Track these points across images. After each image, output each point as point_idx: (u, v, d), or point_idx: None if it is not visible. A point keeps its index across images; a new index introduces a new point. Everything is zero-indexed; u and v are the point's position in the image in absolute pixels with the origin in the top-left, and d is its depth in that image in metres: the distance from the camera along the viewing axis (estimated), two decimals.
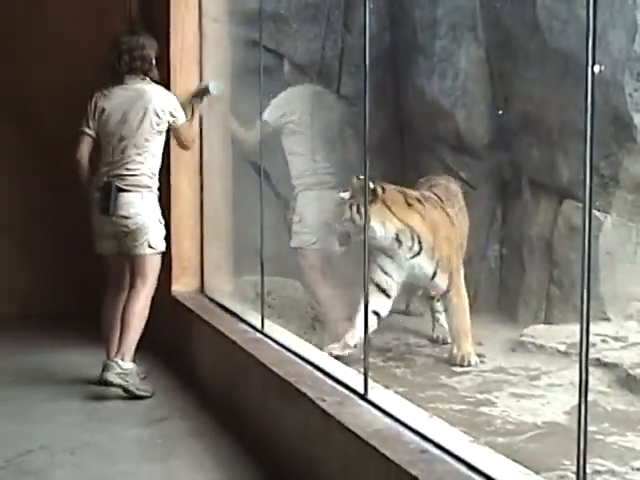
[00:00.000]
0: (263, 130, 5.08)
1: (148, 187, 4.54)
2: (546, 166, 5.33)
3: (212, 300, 5.10)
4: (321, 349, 4.08)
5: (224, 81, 5.17)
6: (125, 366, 4.36)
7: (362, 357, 3.28)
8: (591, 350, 2.19)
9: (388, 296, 4.66)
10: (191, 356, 4.83)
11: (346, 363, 3.75)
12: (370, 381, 3.11)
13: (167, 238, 4.70)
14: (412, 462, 2.47)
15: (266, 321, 4.30)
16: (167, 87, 4.87)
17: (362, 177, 4.86)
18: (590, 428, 2.12)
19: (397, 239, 4.60)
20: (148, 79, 4.62)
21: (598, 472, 3.14)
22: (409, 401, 3.12)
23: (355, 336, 4.46)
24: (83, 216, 4.70)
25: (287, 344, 3.94)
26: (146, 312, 4.53)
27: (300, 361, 3.67)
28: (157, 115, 4.52)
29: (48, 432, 3.93)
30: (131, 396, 4.34)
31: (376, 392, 3.11)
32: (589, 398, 2.12)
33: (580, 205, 2.19)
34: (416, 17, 6.10)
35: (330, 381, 3.34)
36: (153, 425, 4.02)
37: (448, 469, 2.45)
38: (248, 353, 3.90)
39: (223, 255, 5.38)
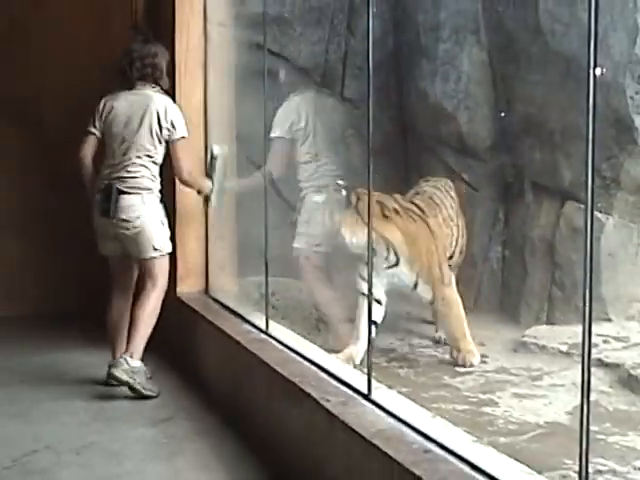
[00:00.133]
0: (280, 148, 5.06)
1: (149, 189, 4.56)
2: (548, 168, 5.35)
3: (217, 301, 5.11)
4: (326, 350, 4.09)
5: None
6: (133, 364, 4.37)
7: (366, 358, 3.30)
8: (593, 350, 2.19)
9: (379, 302, 4.69)
10: (196, 356, 4.85)
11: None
12: (374, 381, 3.12)
13: (172, 240, 4.72)
14: (415, 462, 2.48)
15: (270, 322, 4.31)
16: (172, 90, 4.91)
17: (341, 182, 4.89)
18: (592, 428, 2.13)
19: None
20: (158, 87, 4.66)
21: (600, 472, 3.15)
22: (412, 401, 3.14)
23: (360, 352, 4.49)
24: (84, 216, 4.71)
25: (291, 345, 3.95)
26: (156, 313, 4.55)
27: (304, 361, 3.69)
28: (159, 122, 4.54)
29: (54, 432, 3.94)
30: (137, 395, 4.34)
31: (380, 392, 3.11)
32: (591, 398, 2.13)
33: (582, 207, 2.22)
34: (419, 20, 6.12)
35: (334, 381, 3.35)
36: (158, 425, 4.04)
37: (451, 469, 2.46)
38: (252, 353, 3.91)
39: (227, 256, 5.40)
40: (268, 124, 4.92)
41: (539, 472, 2.49)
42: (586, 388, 2.12)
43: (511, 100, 5.65)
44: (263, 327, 4.31)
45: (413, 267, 4.64)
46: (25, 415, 4.20)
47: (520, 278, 5.64)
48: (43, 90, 6.19)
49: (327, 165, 5.16)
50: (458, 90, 5.90)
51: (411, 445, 2.64)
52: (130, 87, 4.63)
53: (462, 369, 4.57)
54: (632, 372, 4.17)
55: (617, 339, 4.68)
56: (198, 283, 5.35)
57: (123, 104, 4.62)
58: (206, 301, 5.19)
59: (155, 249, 4.55)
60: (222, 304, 5.01)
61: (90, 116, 4.67)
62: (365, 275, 4.59)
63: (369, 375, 3.13)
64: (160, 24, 5.42)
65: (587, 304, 2.12)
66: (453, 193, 5.21)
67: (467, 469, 2.44)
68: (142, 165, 4.55)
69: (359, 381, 3.22)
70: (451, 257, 5.12)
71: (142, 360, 4.44)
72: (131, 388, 4.34)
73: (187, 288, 5.31)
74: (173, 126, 4.57)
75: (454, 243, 5.13)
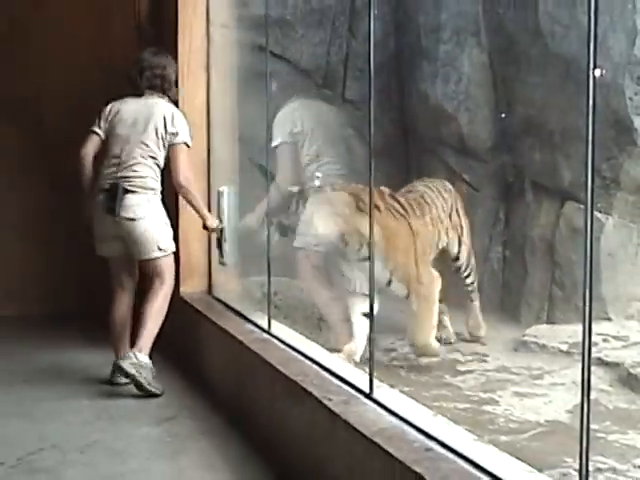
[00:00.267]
0: (286, 153, 5.10)
1: (153, 189, 4.59)
2: (548, 168, 5.37)
3: (220, 301, 5.14)
4: (327, 349, 4.11)
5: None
6: (141, 358, 4.38)
7: (367, 357, 3.32)
8: (593, 349, 2.19)
9: (366, 295, 4.70)
10: (199, 356, 4.87)
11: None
12: (375, 380, 3.13)
13: (175, 240, 4.75)
14: (417, 460, 2.48)
15: (273, 321, 4.33)
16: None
17: (319, 175, 4.88)
18: (592, 426, 2.14)
19: (343, 240, 4.60)
20: (167, 98, 4.71)
21: (600, 470, 3.17)
22: (414, 400, 3.14)
23: (359, 350, 4.52)
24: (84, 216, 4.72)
25: (293, 344, 3.97)
26: (164, 311, 4.57)
27: (306, 361, 3.70)
28: (165, 126, 4.57)
29: (58, 431, 3.96)
30: (142, 391, 4.36)
31: (381, 391, 3.12)
32: (591, 397, 2.13)
33: (582, 207, 2.22)
34: (420, 22, 6.14)
35: (336, 380, 3.36)
36: (162, 424, 4.05)
37: (452, 467, 2.46)
38: (255, 353, 3.93)
39: None
40: (270, 126, 4.94)
41: (540, 470, 2.49)
42: (586, 387, 2.13)
43: (511, 101, 5.67)
44: (265, 327, 4.32)
45: (387, 264, 4.58)
46: (29, 414, 4.21)
47: (520, 278, 5.66)
48: (43, 90, 6.20)
49: (329, 165, 5.18)
50: (459, 91, 5.93)
51: (412, 444, 2.64)
52: (139, 95, 4.69)
53: (464, 368, 4.60)
54: (632, 371, 4.19)
55: (617, 338, 4.70)
56: (201, 283, 5.38)
57: (131, 107, 4.67)
58: (209, 301, 5.21)
59: (160, 249, 4.57)
60: (225, 304, 5.04)
61: (92, 116, 4.70)
62: (345, 271, 4.63)
63: (371, 374, 3.14)
64: (163, 26, 5.45)
65: (587, 303, 2.12)
66: (447, 195, 5.15)
67: (468, 467, 2.45)
68: (147, 165, 4.58)
69: (361, 380, 3.22)
70: (457, 259, 5.13)
71: (150, 358, 4.46)
72: (136, 383, 4.35)
73: (190, 288, 5.33)
74: (177, 133, 4.61)
75: (456, 243, 5.13)
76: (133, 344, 4.50)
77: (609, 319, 4.98)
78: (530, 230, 5.59)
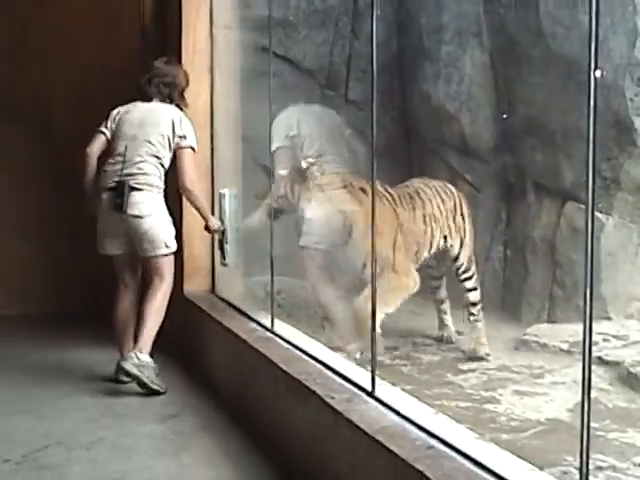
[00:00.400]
0: (283, 156, 5.14)
1: (158, 187, 4.62)
2: (549, 169, 5.39)
3: (223, 300, 5.15)
4: (330, 348, 4.13)
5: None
6: (142, 358, 4.41)
7: (369, 356, 3.34)
8: (593, 348, 2.21)
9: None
10: (203, 355, 4.88)
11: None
12: (377, 379, 3.15)
13: (179, 239, 4.77)
14: (418, 458, 2.49)
15: (276, 320, 4.35)
16: None
17: (310, 161, 4.92)
18: (592, 425, 2.15)
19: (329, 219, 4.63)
20: (174, 106, 4.74)
21: (600, 468, 3.19)
22: (416, 398, 3.16)
23: (358, 348, 4.53)
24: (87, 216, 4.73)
25: (296, 343, 3.98)
26: (164, 309, 4.59)
27: (309, 359, 3.71)
28: (173, 129, 4.61)
29: (63, 428, 3.98)
30: (145, 390, 4.38)
31: (383, 389, 3.13)
32: (591, 395, 2.15)
33: (582, 207, 2.24)
34: (422, 23, 6.17)
35: (338, 379, 3.38)
36: (166, 421, 4.07)
37: (454, 465, 2.47)
38: (258, 352, 3.94)
39: None
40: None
41: (540, 468, 2.51)
42: (587, 385, 2.13)
43: (513, 102, 5.69)
44: (269, 325, 4.34)
45: (364, 245, 4.43)
46: (35, 412, 4.23)
47: (521, 277, 5.68)
48: (44, 90, 6.20)
49: (331, 163, 5.21)
50: (460, 92, 5.95)
51: (414, 441, 2.65)
52: (147, 101, 4.73)
53: (466, 367, 4.62)
54: (631, 370, 4.22)
55: (617, 337, 4.73)
56: (204, 282, 5.40)
57: (139, 109, 4.71)
58: (212, 300, 5.22)
59: (167, 246, 4.61)
60: (228, 303, 5.05)
61: (96, 117, 4.72)
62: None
63: (373, 372, 3.16)
64: (167, 27, 5.47)
65: (588, 303, 2.13)
66: (446, 196, 5.12)
67: (470, 465, 2.46)
68: (151, 164, 4.61)
69: (363, 378, 3.24)
70: (457, 259, 5.13)
71: (151, 356, 4.49)
72: (139, 382, 4.39)
73: (194, 287, 5.35)
74: (185, 136, 4.64)
75: (457, 245, 5.13)
76: (136, 342, 4.53)
77: (609, 318, 5.00)
78: (531, 230, 5.62)
